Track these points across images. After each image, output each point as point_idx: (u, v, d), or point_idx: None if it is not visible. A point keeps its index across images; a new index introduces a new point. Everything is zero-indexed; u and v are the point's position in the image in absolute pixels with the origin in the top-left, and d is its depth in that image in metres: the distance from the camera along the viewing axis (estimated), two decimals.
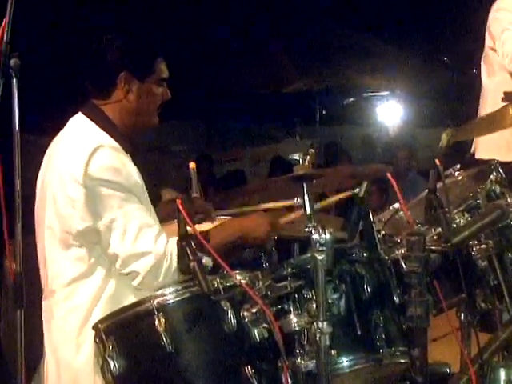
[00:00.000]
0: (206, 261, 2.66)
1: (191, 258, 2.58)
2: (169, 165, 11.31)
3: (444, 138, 3.64)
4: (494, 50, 5.00)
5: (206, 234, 3.01)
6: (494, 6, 5.02)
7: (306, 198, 2.93)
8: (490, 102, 4.99)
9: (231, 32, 9.49)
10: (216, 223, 3.46)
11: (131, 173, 3.09)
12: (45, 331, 3.17)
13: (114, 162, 3.02)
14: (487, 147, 4.99)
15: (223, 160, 11.81)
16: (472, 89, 5.82)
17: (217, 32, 9.39)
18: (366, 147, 13.27)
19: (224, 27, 9.29)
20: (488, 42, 5.06)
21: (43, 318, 3.17)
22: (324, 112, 12.14)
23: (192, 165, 3.97)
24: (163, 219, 3.52)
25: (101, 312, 2.96)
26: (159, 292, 2.73)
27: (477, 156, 5.03)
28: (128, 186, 3.02)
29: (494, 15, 4.97)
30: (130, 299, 2.95)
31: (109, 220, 2.98)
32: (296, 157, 3.06)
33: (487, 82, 5.10)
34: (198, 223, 3.44)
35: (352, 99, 12.61)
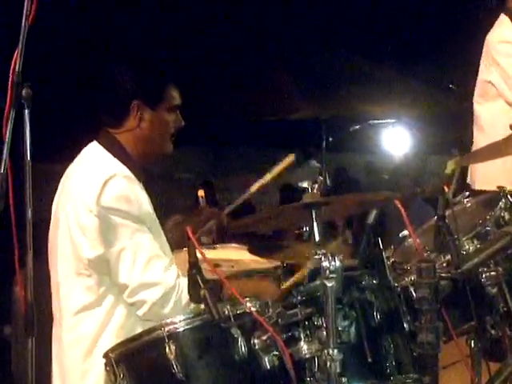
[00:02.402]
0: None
1: (202, 285, 2.59)
2: (175, 192, 11.34)
3: (449, 165, 3.66)
4: (489, 82, 4.98)
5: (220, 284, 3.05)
6: (495, 37, 4.97)
7: (315, 225, 2.94)
8: (487, 131, 5.00)
9: (238, 59, 9.54)
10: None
11: (143, 202, 3.12)
12: (53, 358, 3.19)
13: (127, 191, 3.05)
14: (486, 178, 4.99)
15: (230, 187, 11.84)
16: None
17: (223, 59, 9.44)
18: (370, 175, 13.28)
19: (231, 54, 9.34)
20: (484, 74, 5.03)
21: (53, 345, 3.19)
22: (330, 139, 12.16)
23: (201, 193, 3.99)
24: (174, 245, 3.54)
25: (107, 341, 2.99)
26: (169, 320, 2.75)
27: (476, 187, 5.02)
28: (139, 216, 3.05)
29: (497, 47, 4.95)
30: (138, 329, 2.97)
31: (119, 249, 3.00)
32: (305, 185, 3.08)
33: (481, 110, 5.10)
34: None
35: (358, 126, 12.63)
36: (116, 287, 3.07)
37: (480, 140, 5.07)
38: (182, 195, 10.85)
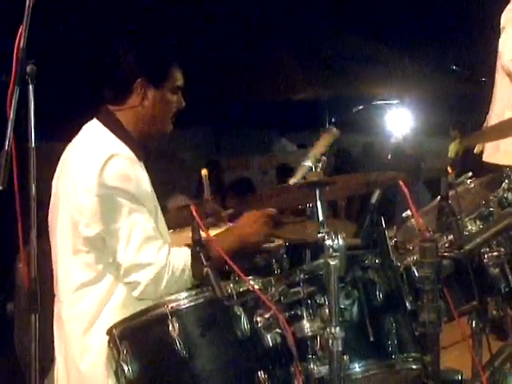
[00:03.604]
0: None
1: (205, 263, 2.60)
2: (178, 172, 11.34)
3: (452, 148, 3.66)
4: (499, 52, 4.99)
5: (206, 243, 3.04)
6: (507, 7, 4.98)
7: (319, 204, 2.94)
8: (496, 104, 5.00)
9: (241, 40, 9.53)
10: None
11: (142, 182, 3.11)
12: (55, 334, 3.20)
13: (127, 170, 3.05)
14: (494, 152, 4.99)
15: (231, 167, 11.85)
16: (481, 98, 5.84)
17: (227, 40, 9.42)
18: (368, 156, 13.30)
19: (234, 36, 9.33)
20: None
21: (54, 322, 3.21)
22: (333, 120, 12.17)
23: (204, 171, 4.01)
24: (176, 225, 3.54)
25: (108, 318, 2.99)
26: (173, 297, 2.75)
27: (484, 159, 5.03)
28: (138, 195, 3.05)
29: (507, 15, 4.94)
30: (139, 306, 2.98)
31: (116, 228, 3.00)
32: (308, 163, 3.08)
33: (496, 84, 5.11)
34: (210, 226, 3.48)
35: (361, 107, 12.64)
36: (114, 265, 3.07)
37: (492, 111, 5.07)
38: (183, 174, 10.85)
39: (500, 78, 5.07)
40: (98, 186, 2.99)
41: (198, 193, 7.92)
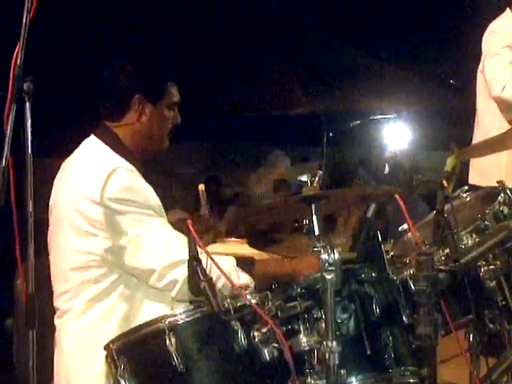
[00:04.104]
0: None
1: (202, 278, 2.61)
2: (176, 187, 11.35)
3: (449, 162, 3.67)
4: (482, 72, 5.05)
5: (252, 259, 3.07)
6: (489, 28, 5.06)
7: (315, 219, 2.96)
8: (482, 122, 5.05)
9: (240, 54, 9.56)
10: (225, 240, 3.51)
11: (149, 193, 3.15)
12: (56, 349, 3.21)
13: (131, 182, 3.08)
14: (481, 174, 5.04)
15: (230, 182, 11.86)
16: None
17: (225, 54, 9.46)
18: (365, 170, 13.33)
19: (232, 49, 9.37)
20: (481, 64, 5.10)
21: (55, 337, 3.22)
22: (331, 134, 12.20)
23: (201, 187, 4.02)
24: None
25: (111, 332, 3.00)
26: (170, 312, 2.77)
27: (470, 181, 5.07)
28: (148, 204, 3.08)
29: (487, 37, 5.02)
30: (142, 320, 2.99)
31: (135, 236, 3.03)
32: (304, 178, 3.10)
33: (478, 102, 5.16)
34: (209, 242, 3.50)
35: (358, 122, 12.67)
36: (126, 277, 3.08)
37: (477, 130, 5.13)
38: (181, 189, 10.86)
39: (482, 102, 5.11)
40: (104, 199, 3.02)
41: (196, 208, 7.94)
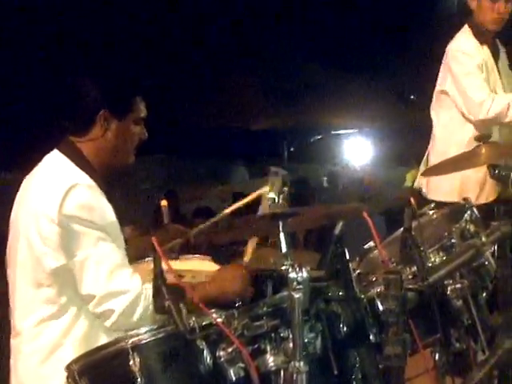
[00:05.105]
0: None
1: (166, 296, 2.59)
2: (133, 202, 11.30)
3: (409, 177, 3.68)
4: (445, 92, 5.09)
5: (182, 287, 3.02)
6: (454, 46, 5.09)
7: (282, 236, 2.95)
8: (442, 141, 5.10)
9: (200, 68, 9.57)
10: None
11: (106, 211, 3.11)
12: (11, 370, 3.17)
13: (90, 200, 3.04)
14: (439, 189, 5.09)
15: (190, 198, 11.84)
16: None
17: (185, 67, 9.46)
18: (330, 185, 13.37)
19: (192, 63, 9.37)
20: (441, 83, 5.14)
21: (11, 357, 3.17)
22: (291, 149, 12.24)
23: (164, 202, 4.00)
24: (132, 258, 3.53)
25: (67, 352, 2.97)
26: (134, 332, 2.73)
27: (429, 197, 5.11)
28: (103, 225, 3.04)
29: (455, 57, 5.05)
30: (101, 341, 2.95)
31: (82, 258, 2.99)
32: (272, 195, 3.09)
33: (437, 120, 5.21)
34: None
35: (320, 137, 12.72)
36: (78, 298, 3.05)
37: (434, 149, 5.17)
38: (142, 205, 10.82)
39: (442, 119, 5.16)
40: (60, 215, 2.98)
41: (154, 223, 7.90)
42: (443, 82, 5.13)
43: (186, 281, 3.47)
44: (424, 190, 5.16)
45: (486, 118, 4.88)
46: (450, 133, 5.01)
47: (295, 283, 2.61)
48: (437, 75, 5.24)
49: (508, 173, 3.84)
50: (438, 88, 5.18)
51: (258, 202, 3.58)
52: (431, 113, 5.25)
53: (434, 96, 5.21)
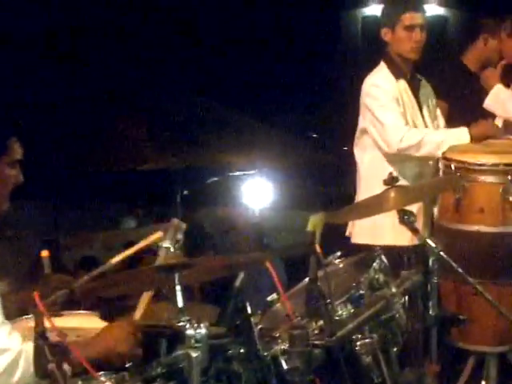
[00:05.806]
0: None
1: (49, 358, 2.54)
2: (10, 251, 11.08)
3: (312, 221, 3.70)
4: (365, 131, 5.22)
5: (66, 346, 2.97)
6: (368, 81, 5.24)
7: (178, 289, 2.93)
8: (366, 180, 5.21)
9: (85, 105, 9.52)
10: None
11: None
12: None
13: None
14: (361, 232, 5.18)
15: (72, 245, 11.66)
16: (344, 168, 6.02)
17: (67, 107, 9.41)
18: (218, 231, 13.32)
19: (75, 103, 9.33)
20: (361, 121, 5.27)
21: None
22: (185, 192, 12.20)
23: (44, 253, 3.94)
24: (11, 315, 3.45)
25: None
26: None
27: (353, 240, 5.21)
28: None
29: (368, 90, 5.19)
30: None
31: None
32: (166, 244, 3.09)
33: (360, 159, 5.32)
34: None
35: (216, 178, 12.74)
36: None
37: (361, 188, 5.26)
38: (18, 255, 10.60)
39: (365, 156, 5.27)
40: None
41: (31, 275, 7.75)
42: (362, 119, 5.25)
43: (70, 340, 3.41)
44: (347, 233, 5.25)
45: (399, 148, 4.99)
46: (373, 173, 5.09)
47: (193, 341, 2.60)
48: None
49: (414, 219, 3.89)
50: (359, 126, 5.29)
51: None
52: (354, 151, 5.35)
53: (357, 133, 5.32)
